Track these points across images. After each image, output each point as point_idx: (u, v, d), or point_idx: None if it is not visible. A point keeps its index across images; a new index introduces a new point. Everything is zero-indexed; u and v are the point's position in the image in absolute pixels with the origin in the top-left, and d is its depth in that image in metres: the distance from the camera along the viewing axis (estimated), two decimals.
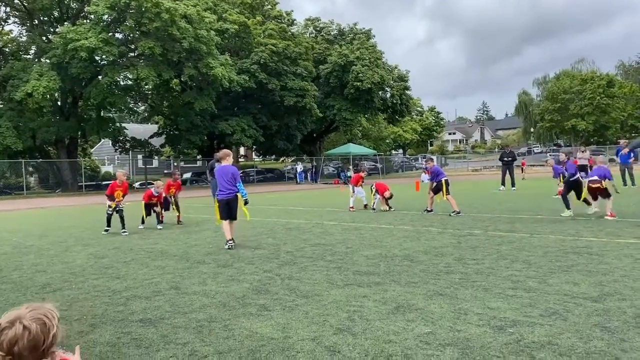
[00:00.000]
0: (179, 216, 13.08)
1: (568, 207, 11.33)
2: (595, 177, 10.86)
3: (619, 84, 66.92)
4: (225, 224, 8.79)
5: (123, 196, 11.61)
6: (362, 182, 15.44)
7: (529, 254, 7.14)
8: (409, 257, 7.20)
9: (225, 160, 8.94)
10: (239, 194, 8.75)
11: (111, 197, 11.50)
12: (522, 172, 32.91)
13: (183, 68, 34.86)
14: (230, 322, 4.46)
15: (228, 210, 8.75)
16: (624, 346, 3.55)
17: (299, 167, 43.58)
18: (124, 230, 11.26)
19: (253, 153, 67.26)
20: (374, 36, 51.74)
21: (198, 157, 50.54)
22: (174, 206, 13.05)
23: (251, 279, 6.18)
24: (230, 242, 8.62)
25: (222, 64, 35.40)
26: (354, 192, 15.08)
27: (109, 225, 11.53)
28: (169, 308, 4.99)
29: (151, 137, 44.71)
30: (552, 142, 73.04)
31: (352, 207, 14.86)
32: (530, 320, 4.20)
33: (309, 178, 42.30)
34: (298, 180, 41.94)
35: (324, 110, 46.52)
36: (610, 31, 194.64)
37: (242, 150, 74.92)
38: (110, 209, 11.47)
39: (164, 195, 12.63)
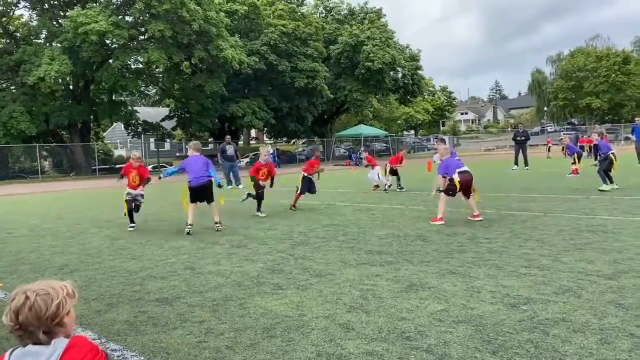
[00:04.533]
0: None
1: (608, 182, 11.83)
2: None
3: (635, 61, 65.52)
4: (191, 207, 8.60)
5: (140, 182, 9.40)
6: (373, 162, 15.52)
7: (543, 232, 7.11)
8: (422, 237, 7.20)
9: (196, 150, 9.06)
10: (212, 179, 8.75)
11: (122, 177, 9.73)
12: (549, 151, 32.17)
13: (193, 50, 34.76)
14: (245, 300, 4.51)
15: (201, 194, 8.70)
16: None
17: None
18: (132, 224, 9.43)
19: (264, 135, 67.19)
20: (385, 15, 50.98)
21: (209, 139, 50.57)
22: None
23: (265, 258, 6.24)
24: (189, 226, 8.45)
25: (232, 45, 35.22)
26: (373, 168, 15.26)
27: (132, 221, 9.44)
28: (185, 287, 5.06)
29: (162, 120, 44.80)
30: (565, 121, 72.04)
31: (376, 186, 15.11)
32: (543, 297, 4.20)
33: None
34: None
35: (334, 92, 46.13)
36: (628, 6, 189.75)
37: (253, 133, 74.84)
38: (129, 196, 9.32)
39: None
